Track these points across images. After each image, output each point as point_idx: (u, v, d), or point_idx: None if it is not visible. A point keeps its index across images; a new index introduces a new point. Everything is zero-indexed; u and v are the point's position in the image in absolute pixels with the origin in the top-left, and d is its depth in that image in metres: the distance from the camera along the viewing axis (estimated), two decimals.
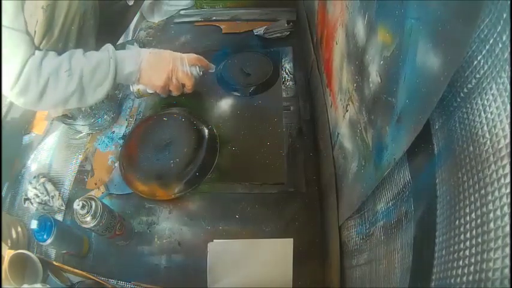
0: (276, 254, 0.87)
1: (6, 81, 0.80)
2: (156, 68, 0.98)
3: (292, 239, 0.85)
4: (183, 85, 1.05)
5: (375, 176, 0.57)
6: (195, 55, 1.05)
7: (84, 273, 0.87)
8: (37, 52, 0.83)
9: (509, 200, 0.27)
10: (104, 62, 0.89)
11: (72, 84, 0.85)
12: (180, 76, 1.01)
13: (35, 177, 1.06)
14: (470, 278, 0.30)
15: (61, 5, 0.86)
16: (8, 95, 0.83)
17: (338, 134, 0.86)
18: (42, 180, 1.04)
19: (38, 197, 1.02)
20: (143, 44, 1.50)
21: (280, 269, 0.85)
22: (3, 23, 0.76)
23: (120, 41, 1.45)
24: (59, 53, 0.90)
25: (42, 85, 0.82)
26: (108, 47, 0.93)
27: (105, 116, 1.19)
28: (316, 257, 0.92)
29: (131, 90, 1.10)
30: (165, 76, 0.99)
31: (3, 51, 0.77)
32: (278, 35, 1.42)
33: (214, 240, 0.87)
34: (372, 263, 0.62)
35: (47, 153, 1.18)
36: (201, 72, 1.08)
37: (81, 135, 1.20)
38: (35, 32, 0.82)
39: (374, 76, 0.55)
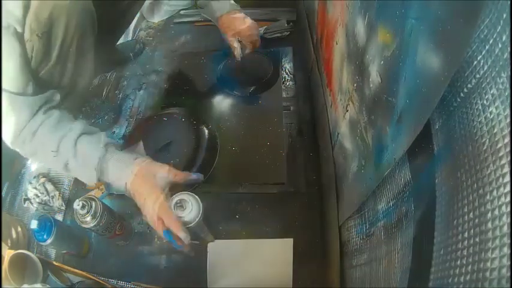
0: (276, 254, 0.87)
1: (6, 134, 0.79)
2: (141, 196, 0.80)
3: (292, 239, 0.85)
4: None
5: (375, 176, 0.57)
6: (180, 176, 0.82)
7: (84, 273, 0.87)
8: (38, 115, 0.79)
9: (507, 199, 0.27)
10: (88, 167, 0.78)
11: (57, 165, 0.81)
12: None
13: (35, 177, 1.06)
14: (468, 277, 0.30)
15: (57, 31, 0.80)
16: (9, 145, 0.81)
17: (338, 134, 0.86)
18: (42, 180, 1.04)
19: (38, 197, 1.02)
20: (143, 44, 1.50)
21: (280, 269, 0.85)
22: (4, 86, 0.74)
23: (120, 41, 1.45)
24: (57, 81, 0.87)
25: (33, 150, 0.80)
26: (103, 142, 0.81)
27: (106, 117, 1.18)
28: (316, 257, 0.92)
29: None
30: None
31: (4, 114, 0.76)
32: (278, 35, 1.42)
33: (214, 240, 0.87)
34: (372, 263, 0.62)
35: None
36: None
37: None
38: (32, 57, 0.78)
39: (374, 76, 0.55)
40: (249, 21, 1.13)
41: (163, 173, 0.78)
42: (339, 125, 0.85)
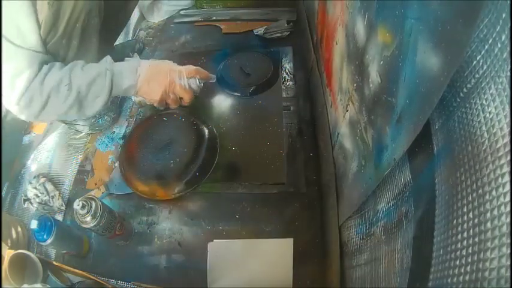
0: (276, 254, 0.87)
1: (8, 95, 0.83)
2: (154, 82, 0.97)
3: (292, 239, 0.85)
4: (181, 98, 1.04)
5: (375, 176, 0.57)
6: (193, 67, 1.03)
7: (84, 273, 0.87)
8: (43, 68, 0.84)
9: (506, 199, 0.27)
10: (101, 75, 0.89)
11: (71, 98, 0.87)
12: (178, 90, 1.00)
13: (35, 177, 1.06)
14: (467, 277, 0.30)
15: (67, 2, 0.87)
16: (11, 109, 0.85)
17: (338, 134, 0.86)
18: (42, 180, 1.04)
19: (38, 197, 1.02)
20: (143, 44, 1.50)
21: (280, 269, 0.85)
22: (14, 40, 0.78)
23: (120, 41, 1.45)
24: (62, 55, 0.92)
25: (44, 100, 0.85)
26: (107, 58, 0.94)
27: (106, 117, 1.19)
28: (316, 257, 0.92)
29: (133, 100, 1.21)
30: (162, 90, 0.98)
31: (8, 66, 0.79)
32: (278, 35, 1.42)
33: (214, 240, 0.87)
34: (372, 263, 0.62)
35: (47, 153, 1.18)
36: (202, 84, 1.06)
37: (81, 135, 1.20)
38: (42, 21, 0.82)
39: (374, 76, 0.55)
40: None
41: (172, 66, 0.99)
42: (339, 125, 0.85)
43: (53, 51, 0.90)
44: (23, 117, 0.88)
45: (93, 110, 0.93)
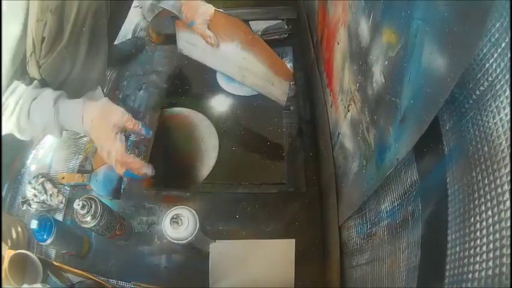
0: (278, 254, 0.87)
1: None
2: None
3: (294, 240, 0.85)
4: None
5: (377, 176, 0.58)
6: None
7: (84, 273, 0.87)
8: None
9: None
10: (50, 128, 0.82)
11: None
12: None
13: (34, 177, 1.05)
14: (490, 272, 0.30)
15: (71, 5, 0.79)
16: None
17: (338, 134, 0.86)
18: (41, 180, 1.04)
19: (36, 196, 1.01)
20: (143, 41, 1.49)
21: (282, 269, 0.86)
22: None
23: (119, 40, 1.45)
24: (70, 63, 0.86)
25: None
26: (50, 109, 0.79)
27: None
28: (316, 257, 0.92)
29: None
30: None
31: None
32: (276, 37, 1.42)
33: (216, 241, 0.87)
34: (374, 262, 0.62)
35: (47, 153, 1.17)
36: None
37: (81, 135, 1.20)
38: (44, 38, 0.77)
39: (378, 76, 0.55)
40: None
41: (118, 116, 0.80)
42: (340, 125, 0.85)
43: (60, 61, 0.83)
44: None
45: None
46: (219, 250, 0.86)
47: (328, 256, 0.88)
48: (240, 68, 1.10)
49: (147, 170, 0.82)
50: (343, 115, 0.81)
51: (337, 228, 0.83)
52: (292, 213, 0.99)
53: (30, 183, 1.03)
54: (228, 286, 0.87)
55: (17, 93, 0.78)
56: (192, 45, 1.15)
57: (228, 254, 0.88)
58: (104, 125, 0.80)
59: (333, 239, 0.85)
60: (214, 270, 0.86)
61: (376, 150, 0.58)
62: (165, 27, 1.46)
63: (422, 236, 0.43)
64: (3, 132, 0.80)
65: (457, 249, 0.35)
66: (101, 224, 0.82)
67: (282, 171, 1.06)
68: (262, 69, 1.06)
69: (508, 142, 0.29)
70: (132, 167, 0.81)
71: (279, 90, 1.08)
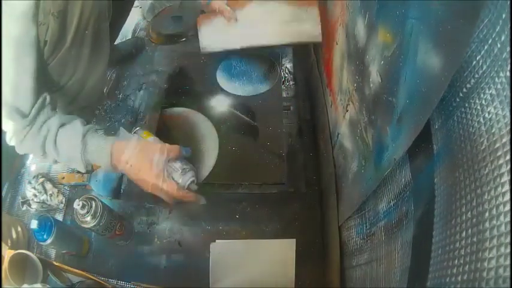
0: (278, 254, 0.87)
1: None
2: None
3: (294, 240, 0.85)
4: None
5: (375, 176, 0.57)
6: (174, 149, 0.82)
7: (84, 273, 0.87)
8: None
9: (505, 199, 0.27)
10: (75, 160, 0.78)
11: (49, 162, 0.87)
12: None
13: (34, 177, 1.06)
14: (465, 277, 0.30)
15: (73, 9, 0.78)
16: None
17: (338, 134, 0.86)
18: (41, 180, 1.04)
19: (36, 196, 1.01)
20: (143, 40, 1.49)
21: (282, 269, 0.85)
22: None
23: (120, 40, 1.45)
24: (72, 67, 0.85)
25: (25, 151, 0.81)
26: (78, 141, 0.77)
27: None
28: (316, 257, 0.92)
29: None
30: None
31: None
32: None
33: (216, 241, 0.87)
34: (373, 262, 0.62)
35: None
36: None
37: None
38: (46, 42, 0.75)
39: (374, 76, 0.55)
40: None
41: (158, 152, 0.78)
42: (339, 125, 0.85)
43: (62, 64, 0.82)
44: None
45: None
46: (219, 250, 0.86)
47: (328, 256, 0.88)
48: (265, 22, 1.07)
49: (203, 201, 0.85)
50: (342, 115, 0.81)
51: (337, 228, 0.83)
52: (292, 213, 0.99)
53: (30, 183, 1.04)
54: (228, 286, 0.87)
55: (45, 113, 0.77)
56: (216, 34, 1.10)
57: (228, 254, 0.88)
58: (147, 165, 0.77)
59: (333, 239, 0.84)
60: (214, 270, 0.86)
61: (375, 150, 0.58)
62: (165, 27, 1.46)
63: (413, 237, 0.43)
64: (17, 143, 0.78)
65: (439, 251, 0.35)
66: (100, 224, 0.82)
67: (282, 171, 1.05)
68: (286, 10, 1.05)
69: (489, 141, 0.29)
70: (188, 200, 0.82)
71: (310, 22, 1.05)
